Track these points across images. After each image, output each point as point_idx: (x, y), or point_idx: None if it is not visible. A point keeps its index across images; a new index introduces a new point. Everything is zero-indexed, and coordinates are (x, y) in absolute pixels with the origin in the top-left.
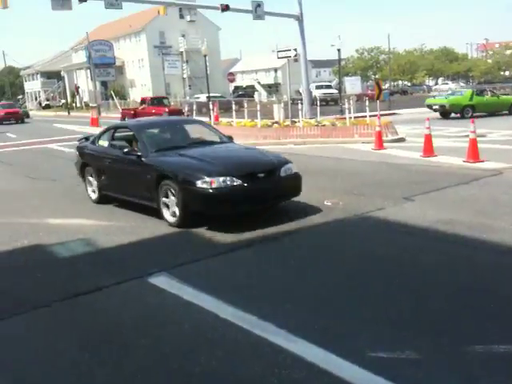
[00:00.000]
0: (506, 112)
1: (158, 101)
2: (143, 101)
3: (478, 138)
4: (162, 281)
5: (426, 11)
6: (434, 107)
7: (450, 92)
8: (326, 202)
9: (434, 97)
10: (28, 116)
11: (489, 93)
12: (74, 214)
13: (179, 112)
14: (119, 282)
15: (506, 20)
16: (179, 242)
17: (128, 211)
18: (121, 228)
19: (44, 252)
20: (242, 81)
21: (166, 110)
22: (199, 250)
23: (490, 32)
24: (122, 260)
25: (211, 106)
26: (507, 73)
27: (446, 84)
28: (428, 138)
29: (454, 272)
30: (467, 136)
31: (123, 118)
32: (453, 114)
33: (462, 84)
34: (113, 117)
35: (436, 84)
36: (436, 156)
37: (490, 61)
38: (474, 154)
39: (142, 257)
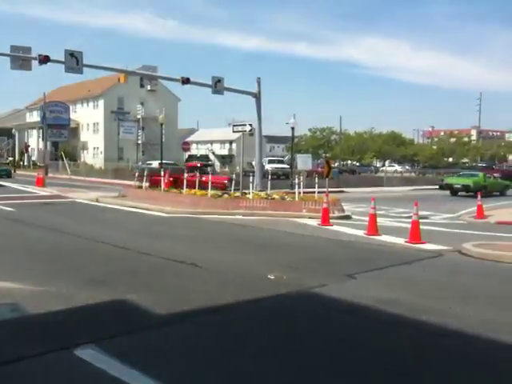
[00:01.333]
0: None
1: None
2: (194, 167)
3: (421, 220)
4: (88, 353)
5: (377, 97)
6: (456, 186)
7: (461, 173)
8: (269, 276)
9: (451, 177)
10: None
11: (491, 177)
12: (3, 277)
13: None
14: (42, 352)
15: (451, 110)
16: (113, 311)
17: (63, 277)
18: (52, 294)
19: None
20: (197, 150)
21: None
22: (133, 322)
23: (436, 120)
24: (49, 329)
25: (162, 173)
26: (450, 159)
27: (393, 166)
28: (372, 218)
29: (391, 354)
30: (410, 217)
31: (152, 185)
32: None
33: (408, 167)
34: (60, 177)
35: (383, 166)
36: (380, 235)
37: (434, 147)
38: (415, 235)
39: (71, 326)
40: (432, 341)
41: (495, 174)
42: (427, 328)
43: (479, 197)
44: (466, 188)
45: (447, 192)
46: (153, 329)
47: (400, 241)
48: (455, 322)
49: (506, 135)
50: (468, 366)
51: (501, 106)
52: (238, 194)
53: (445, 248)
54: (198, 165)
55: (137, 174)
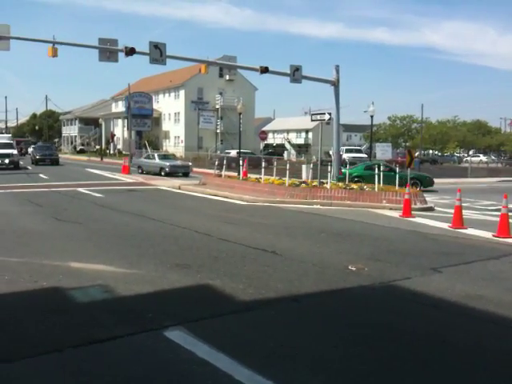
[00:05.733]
0: None
1: None
2: None
3: (510, 213)
4: (177, 335)
5: (461, 84)
6: None
7: None
8: (350, 267)
9: None
10: (57, 162)
11: None
12: (95, 259)
13: None
14: (134, 332)
15: None
16: (198, 295)
17: (150, 261)
18: (141, 277)
19: (62, 295)
20: (273, 139)
21: None
22: (217, 306)
23: None
24: (139, 310)
25: (241, 162)
26: None
27: (478, 156)
28: (458, 210)
29: (483, 352)
30: (498, 210)
31: None
32: None
33: (494, 157)
34: None
35: (467, 156)
36: (465, 228)
37: None
38: (504, 229)
39: (159, 309)
40: None
41: None
42: None
43: None
44: None
45: None
46: (237, 314)
47: (487, 235)
48: None
49: None
50: None
51: None
52: (315, 183)
53: None
54: None
55: (216, 163)
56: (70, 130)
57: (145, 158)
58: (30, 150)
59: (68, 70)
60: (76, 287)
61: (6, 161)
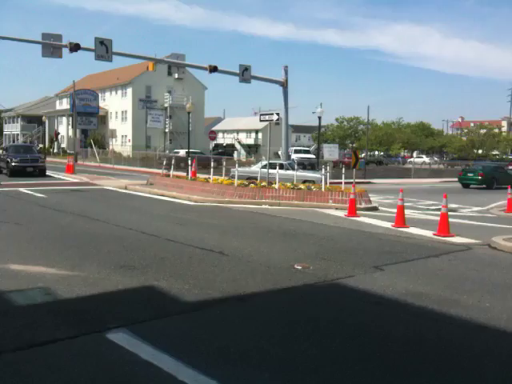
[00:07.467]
0: None
1: None
2: None
3: (449, 213)
4: (120, 337)
5: (406, 86)
6: None
7: None
8: (296, 266)
9: None
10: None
11: None
12: (37, 261)
13: None
14: (76, 335)
15: (482, 100)
16: (142, 297)
17: (94, 263)
18: (84, 279)
19: (0, 298)
20: (222, 139)
21: None
22: (162, 307)
23: (466, 111)
24: (81, 312)
25: (190, 162)
26: (480, 151)
27: (421, 157)
28: (400, 209)
29: (422, 347)
30: (439, 209)
31: None
32: None
33: (436, 159)
34: (90, 165)
35: (411, 157)
36: (407, 227)
37: (464, 138)
38: (444, 227)
39: (102, 311)
40: (462, 334)
41: None
42: (456, 321)
43: (510, 190)
44: None
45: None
46: (182, 314)
47: (428, 233)
48: (484, 315)
49: None
50: (497, 360)
51: None
52: (264, 183)
53: (474, 241)
54: None
55: (165, 163)
56: (12, 128)
57: (282, 167)
58: None
59: (10, 65)
60: (16, 289)
61: None
